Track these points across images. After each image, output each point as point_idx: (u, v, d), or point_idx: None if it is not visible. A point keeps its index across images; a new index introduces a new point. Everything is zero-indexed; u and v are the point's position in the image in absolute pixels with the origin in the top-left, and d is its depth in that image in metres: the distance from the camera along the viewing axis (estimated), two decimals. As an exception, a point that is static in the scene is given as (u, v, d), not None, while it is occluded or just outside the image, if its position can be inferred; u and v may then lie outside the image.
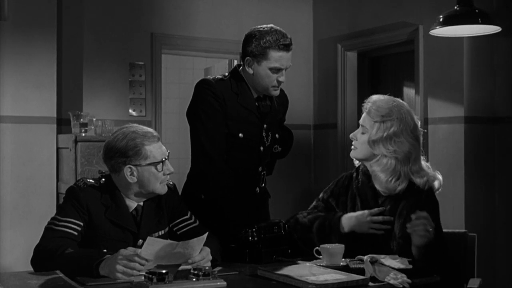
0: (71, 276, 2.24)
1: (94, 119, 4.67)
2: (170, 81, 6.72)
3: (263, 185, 3.09)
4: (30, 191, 4.58)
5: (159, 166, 2.55)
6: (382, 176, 2.59)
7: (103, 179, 2.59)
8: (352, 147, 2.72)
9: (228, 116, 2.93)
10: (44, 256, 2.38)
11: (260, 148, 3.02)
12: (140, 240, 2.54)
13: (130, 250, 2.23)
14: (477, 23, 3.88)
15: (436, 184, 2.65)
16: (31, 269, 2.41)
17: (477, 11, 3.89)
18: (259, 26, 2.96)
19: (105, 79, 5.05)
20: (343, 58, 5.66)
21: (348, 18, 5.59)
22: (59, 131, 4.74)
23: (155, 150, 2.56)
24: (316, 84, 5.95)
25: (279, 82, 2.94)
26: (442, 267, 2.45)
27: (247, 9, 5.54)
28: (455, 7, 3.94)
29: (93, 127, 4.64)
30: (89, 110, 4.83)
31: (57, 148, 4.71)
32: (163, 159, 2.57)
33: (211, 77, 3.03)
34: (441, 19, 3.94)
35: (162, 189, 2.59)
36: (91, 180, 2.58)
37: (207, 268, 2.10)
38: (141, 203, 2.61)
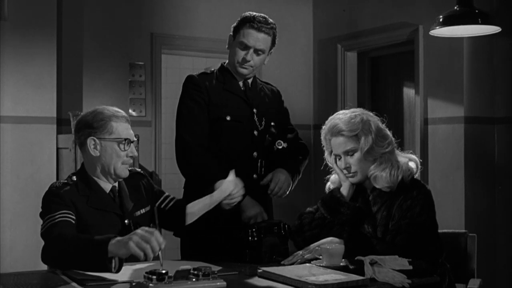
0: (81, 263, 2.24)
1: (94, 119, 4.66)
2: (170, 81, 6.71)
3: (262, 173, 3.07)
4: (30, 191, 4.57)
5: (122, 145, 2.57)
6: (385, 174, 2.59)
7: (74, 176, 2.61)
8: (350, 175, 2.67)
9: (213, 102, 2.98)
10: (56, 246, 2.35)
11: (253, 132, 3.03)
12: (126, 220, 2.58)
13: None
14: (477, 23, 3.88)
15: (412, 165, 2.65)
16: (31, 269, 2.41)
17: (477, 11, 3.89)
18: None
19: (105, 79, 5.05)
20: (343, 58, 5.66)
21: (348, 18, 5.59)
22: (59, 131, 4.74)
23: (121, 128, 2.59)
24: (316, 84, 5.95)
25: (244, 60, 2.98)
26: (425, 259, 2.42)
27: (247, 9, 5.49)
28: (455, 7, 3.94)
29: (93, 127, 4.63)
30: (89, 110, 4.82)
31: (57, 148, 4.71)
32: (129, 139, 2.59)
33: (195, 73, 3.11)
34: (441, 19, 3.94)
35: (123, 171, 2.60)
36: (63, 181, 2.61)
37: (207, 268, 2.10)
38: (116, 184, 2.63)
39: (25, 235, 4.51)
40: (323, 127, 2.75)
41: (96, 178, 2.60)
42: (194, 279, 2.07)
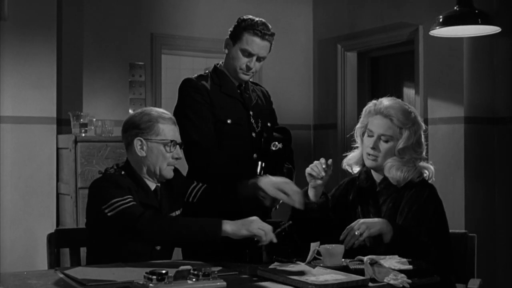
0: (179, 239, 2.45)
1: (94, 119, 4.67)
2: (170, 81, 6.71)
3: (261, 175, 3.08)
4: (30, 191, 4.57)
5: (168, 147, 2.61)
6: (399, 173, 2.59)
7: (122, 171, 2.63)
8: (371, 157, 2.64)
9: (214, 105, 2.99)
10: (150, 220, 2.41)
11: (251, 134, 3.06)
12: None
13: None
14: (477, 23, 3.88)
15: (425, 172, 2.67)
16: (31, 269, 2.41)
17: (477, 11, 3.89)
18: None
19: (105, 79, 5.05)
20: (343, 58, 5.66)
21: (348, 18, 5.59)
22: (59, 131, 4.74)
23: (168, 130, 2.63)
24: (316, 84, 5.95)
25: (248, 68, 3.00)
26: (446, 268, 2.45)
27: (247, 9, 5.53)
28: (455, 8, 3.94)
29: (93, 128, 4.64)
30: (89, 110, 4.83)
31: (57, 148, 4.71)
32: (175, 140, 2.63)
33: (192, 76, 3.12)
34: (441, 20, 3.94)
35: (168, 172, 2.65)
36: (113, 170, 2.63)
37: (207, 268, 2.10)
38: (159, 185, 2.68)
39: (25, 235, 4.51)
40: (373, 102, 2.70)
41: (142, 176, 2.65)
42: (194, 279, 2.07)
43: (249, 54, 2.98)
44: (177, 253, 2.97)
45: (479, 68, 4.66)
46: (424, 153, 2.70)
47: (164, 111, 2.69)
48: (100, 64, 5.03)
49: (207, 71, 3.15)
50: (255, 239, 2.42)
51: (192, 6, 5.43)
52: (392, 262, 2.28)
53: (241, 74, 3.03)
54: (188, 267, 2.10)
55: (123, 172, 2.62)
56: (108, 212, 2.46)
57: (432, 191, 2.61)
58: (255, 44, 2.97)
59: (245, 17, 3.05)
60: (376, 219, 2.51)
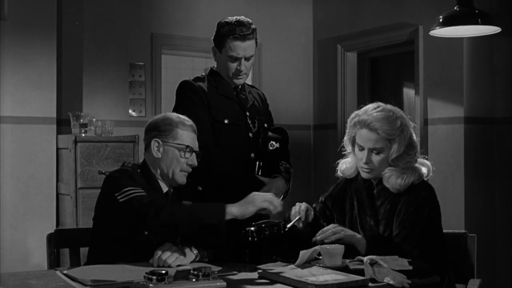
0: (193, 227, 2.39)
1: (94, 119, 4.67)
2: (170, 81, 6.71)
3: (259, 174, 3.12)
4: (30, 191, 4.58)
5: (183, 152, 2.65)
6: (400, 180, 2.55)
7: (139, 170, 2.67)
8: (366, 170, 2.60)
9: (211, 105, 3.03)
10: (158, 210, 2.40)
11: (249, 134, 3.09)
12: None
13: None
14: (477, 23, 3.88)
15: (424, 171, 2.64)
16: (31, 269, 2.41)
17: (477, 11, 3.89)
18: (229, 17, 3.08)
19: (105, 79, 5.05)
20: (343, 58, 5.66)
21: (348, 18, 5.59)
22: (59, 132, 4.74)
23: (186, 136, 2.67)
24: (316, 84, 5.95)
25: (238, 71, 3.04)
26: (438, 269, 2.45)
27: (247, 9, 5.54)
28: (455, 8, 3.94)
29: (93, 128, 4.64)
30: (89, 111, 4.83)
31: (57, 149, 4.71)
32: (191, 147, 2.66)
33: (189, 78, 3.15)
34: (441, 20, 3.94)
35: (180, 178, 2.68)
36: (130, 166, 2.67)
37: (207, 268, 2.10)
38: (171, 190, 2.71)
39: (25, 235, 4.51)
40: (356, 112, 2.64)
41: (156, 176, 2.68)
42: (194, 279, 2.07)
43: (236, 59, 3.02)
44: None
45: (479, 68, 4.66)
46: (417, 150, 2.63)
47: (186, 118, 2.71)
48: (100, 64, 5.03)
49: (203, 74, 3.18)
50: (263, 212, 2.43)
51: (192, 6, 5.43)
52: (392, 262, 2.28)
53: (234, 79, 3.08)
54: (188, 267, 2.10)
55: (139, 170, 2.66)
56: (120, 198, 2.47)
57: (430, 192, 2.58)
58: (239, 48, 3.00)
59: (223, 20, 3.07)
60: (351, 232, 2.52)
